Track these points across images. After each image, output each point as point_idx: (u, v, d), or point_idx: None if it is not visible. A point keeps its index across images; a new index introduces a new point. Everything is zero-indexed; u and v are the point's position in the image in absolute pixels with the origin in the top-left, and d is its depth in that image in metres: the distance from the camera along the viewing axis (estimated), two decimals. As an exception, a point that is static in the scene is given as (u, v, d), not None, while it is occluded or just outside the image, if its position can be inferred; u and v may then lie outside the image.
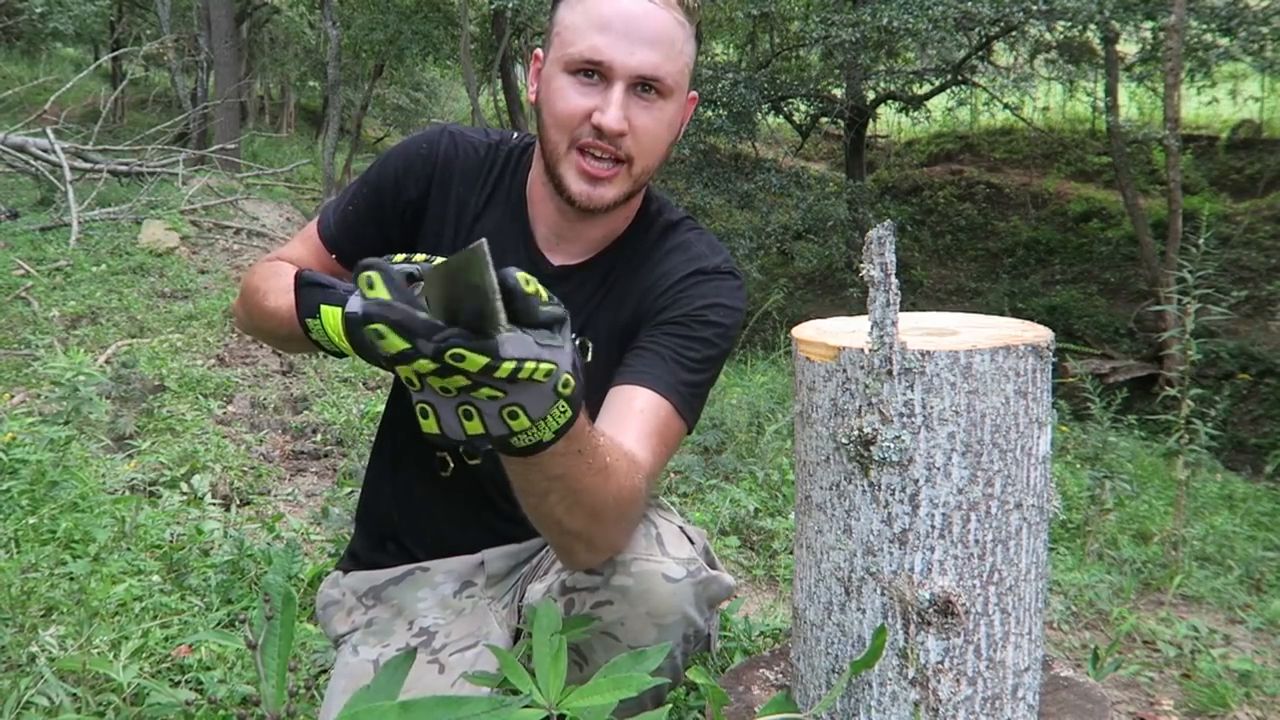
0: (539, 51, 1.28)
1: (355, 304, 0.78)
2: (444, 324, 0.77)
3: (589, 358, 1.32)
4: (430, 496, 1.44)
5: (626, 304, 1.32)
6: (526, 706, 0.99)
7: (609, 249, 1.34)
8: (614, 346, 1.30)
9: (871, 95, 12.48)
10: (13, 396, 3.52)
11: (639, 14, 1.18)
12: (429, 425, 0.86)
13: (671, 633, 1.23)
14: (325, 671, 1.74)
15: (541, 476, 0.98)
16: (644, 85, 1.20)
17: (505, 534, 1.46)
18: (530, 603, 1.30)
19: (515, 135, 1.38)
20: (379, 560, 1.49)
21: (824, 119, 13.08)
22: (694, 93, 1.30)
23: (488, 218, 1.34)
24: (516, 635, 1.45)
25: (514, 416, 0.82)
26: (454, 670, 1.35)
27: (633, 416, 1.18)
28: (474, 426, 0.85)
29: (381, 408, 1.76)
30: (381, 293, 0.77)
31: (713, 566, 1.32)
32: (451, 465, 1.42)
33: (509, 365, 0.77)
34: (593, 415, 1.20)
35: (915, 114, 13.57)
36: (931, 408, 1.17)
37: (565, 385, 0.83)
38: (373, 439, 1.59)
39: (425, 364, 0.77)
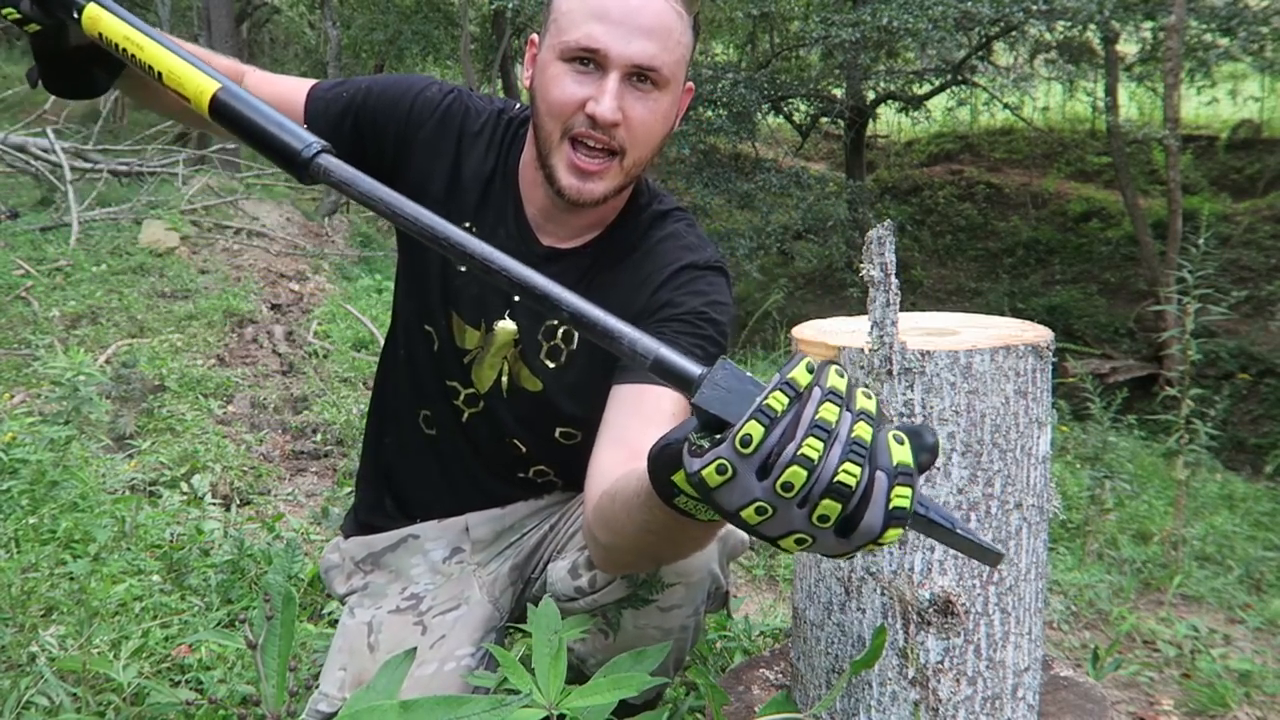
0: (535, 37, 1.27)
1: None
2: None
3: (575, 345, 1.34)
4: (421, 456, 1.49)
5: (617, 290, 1.31)
6: (526, 706, 0.99)
7: (599, 235, 1.35)
8: None
9: (871, 95, 12.47)
10: (13, 396, 3.52)
11: (637, 3, 1.16)
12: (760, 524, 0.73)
13: (699, 590, 1.29)
14: (325, 671, 1.74)
15: (680, 531, 0.96)
16: (639, 75, 1.18)
17: (491, 494, 1.50)
18: (554, 580, 1.32)
19: (516, 105, 1.38)
20: (377, 522, 1.53)
21: (824, 119, 13.07)
22: (690, 84, 1.29)
23: (485, 189, 1.34)
24: (520, 605, 1.49)
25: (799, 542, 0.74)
26: (434, 631, 1.41)
27: (664, 420, 1.18)
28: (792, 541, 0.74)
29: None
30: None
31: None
32: (434, 431, 1.45)
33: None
34: (592, 402, 1.23)
35: (915, 114, 13.57)
36: (931, 408, 1.17)
37: None
38: None
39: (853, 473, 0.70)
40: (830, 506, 0.69)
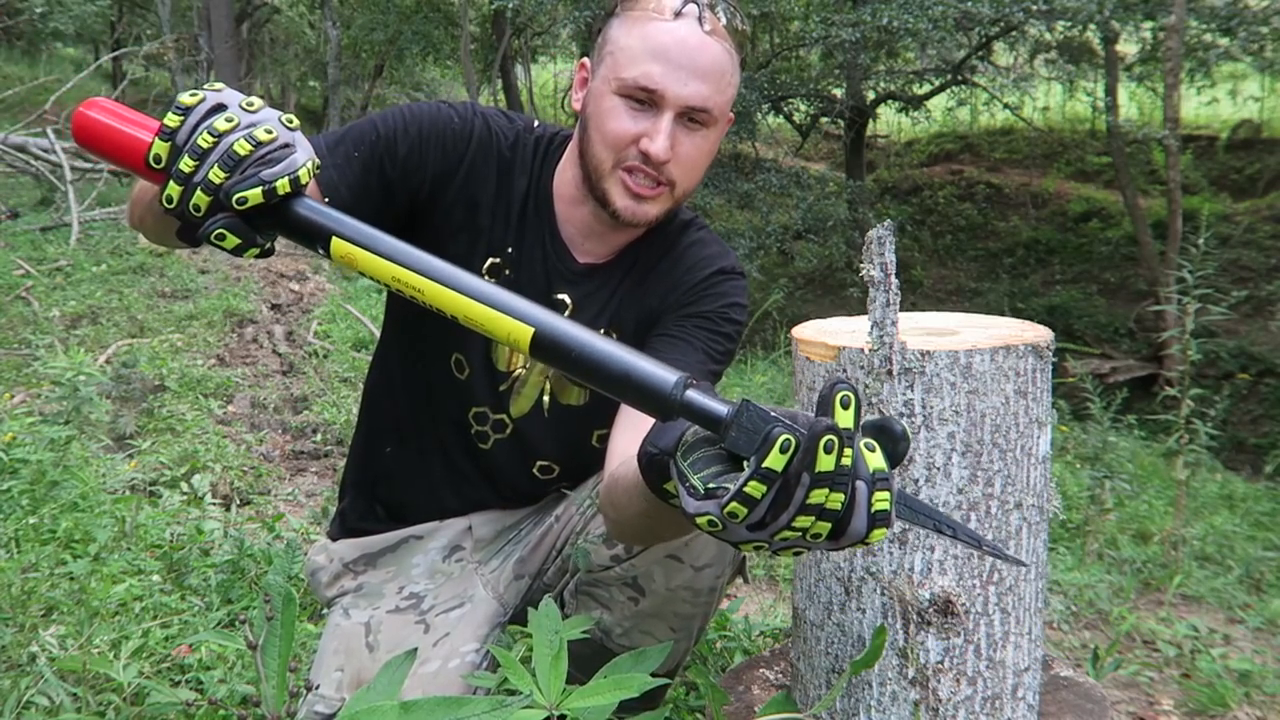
0: (586, 61, 1.31)
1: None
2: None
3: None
4: (429, 470, 1.48)
5: (650, 296, 1.38)
6: (526, 707, 0.99)
7: (630, 248, 1.39)
8: (640, 333, 1.38)
9: (871, 95, 12.47)
10: (13, 396, 3.52)
11: (695, 46, 1.20)
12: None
13: (727, 552, 1.33)
14: (325, 671, 1.74)
15: (678, 516, 1.01)
16: (692, 115, 1.23)
17: (497, 506, 1.51)
18: (588, 552, 1.38)
19: (535, 123, 1.39)
20: (369, 527, 1.52)
21: (824, 119, 13.08)
22: (731, 114, 1.34)
23: (521, 210, 1.35)
24: (529, 598, 1.49)
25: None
26: (438, 630, 1.41)
27: None
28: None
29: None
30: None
31: None
32: (447, 441, 1.45)
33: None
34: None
35: (915, 114, 13.57)
36: (931, 408, 1.17)
37: None
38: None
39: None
40: (821, 527, 0.74)
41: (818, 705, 1.28)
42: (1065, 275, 13.30)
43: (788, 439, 0.72)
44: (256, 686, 1.51)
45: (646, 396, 0.80)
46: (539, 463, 1.45)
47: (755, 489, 0.72)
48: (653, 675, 1.06)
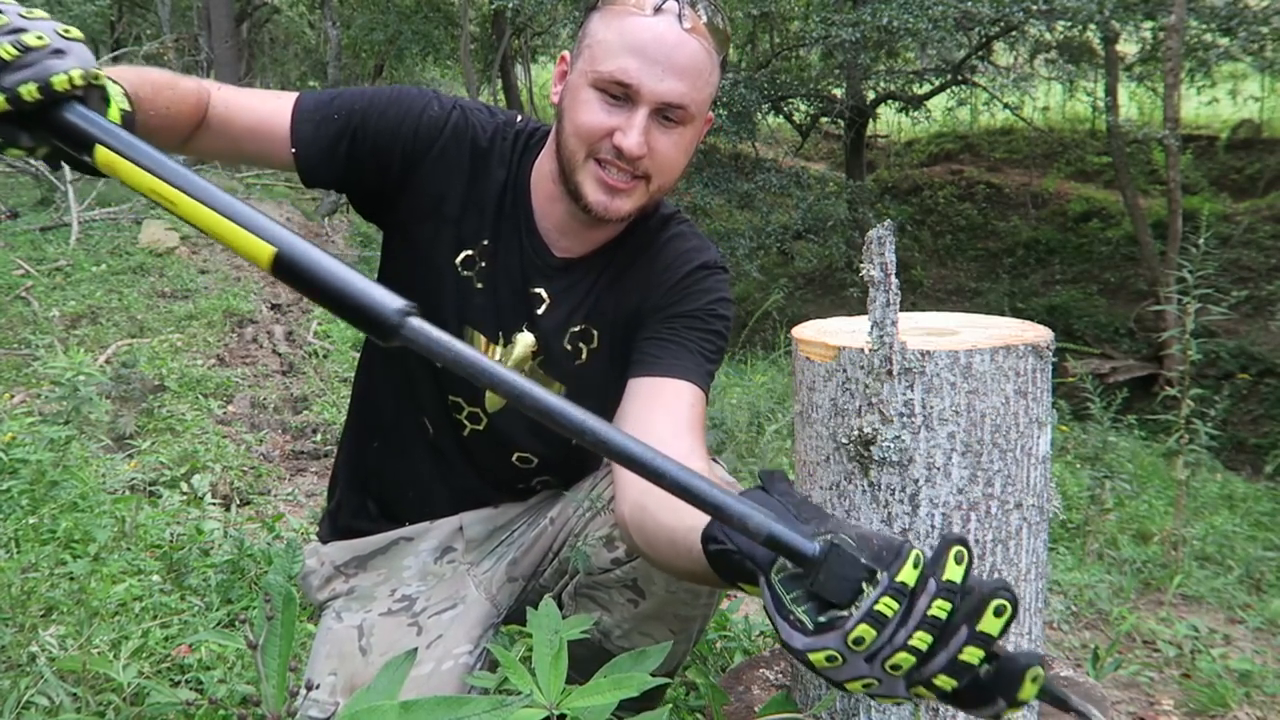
0: (566, 55, 1.30)
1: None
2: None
3: (595, 344, 1.37)
4: (419, 462, 1.47)
5: (630, 292, 1.36)
6: (526, 707, 0.99)
7: (610, 243, 1.38)
8: (618, 330, 1.36)
9: (871, 95, 12.46)
10: (13, 396, 3.52)
11: (673, 42, 1.19)
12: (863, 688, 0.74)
13: None
14: (325, 671, 1.74)
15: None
16: (667, 112, 1.21)
17: (487, 500, 1.51)
18: (587, 554, 1.38)
19: (519, 118, 1.38)
20: (360, 527, 1.51)
21: (824, 119, 13.07)
22: (711, 114, 1.32)
23: (498, 204, 1.35)
24: (523, 601, 1.49)
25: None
26: (431, 632, 1.41)
27: (684, 411, 1.23)
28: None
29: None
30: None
31: None
32: (431, 430, 1.44)
33: None
34: (609, 397, 1.26)
35: (915, 114, 13.56)
36: (931, 408, 1.17)
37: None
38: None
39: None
40: (921, 641, 0.71)
41: (818, 705, 1.28)
42: (1065, 275, 13.29)
43: (919, 554, 0.70)
44: (256, 686, 1.51)
45: (366, 319, 0.83)
46: (517, 454, 1.45)
47: (888, 606, 0.70)
48: (651, 675, 1.06)
